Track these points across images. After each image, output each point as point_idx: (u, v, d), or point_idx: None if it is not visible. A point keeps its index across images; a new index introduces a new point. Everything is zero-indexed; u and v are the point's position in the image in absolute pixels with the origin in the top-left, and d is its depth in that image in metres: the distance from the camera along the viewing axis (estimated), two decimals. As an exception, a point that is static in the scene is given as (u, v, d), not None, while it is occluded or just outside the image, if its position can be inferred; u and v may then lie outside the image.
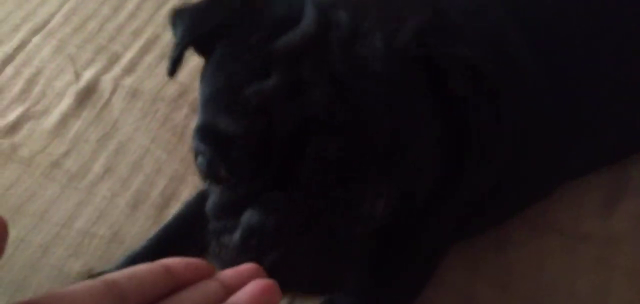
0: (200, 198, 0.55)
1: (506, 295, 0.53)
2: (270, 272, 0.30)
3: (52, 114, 0.70)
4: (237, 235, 0.34)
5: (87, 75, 0.74)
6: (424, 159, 0.38)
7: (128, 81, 0.74)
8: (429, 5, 0.40)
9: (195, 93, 0.71)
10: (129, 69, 0.76)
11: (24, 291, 0.54)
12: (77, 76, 0.75)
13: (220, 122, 0.34)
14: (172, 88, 0.73)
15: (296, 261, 0.34)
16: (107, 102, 0.72)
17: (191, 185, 0.62)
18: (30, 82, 0.74)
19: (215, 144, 0.34)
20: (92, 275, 0.53)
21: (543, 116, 0.49)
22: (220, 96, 0.35)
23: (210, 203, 0.38)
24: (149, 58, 0.77)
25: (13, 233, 0.58)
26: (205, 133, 0.35)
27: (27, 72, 0.75)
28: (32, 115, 0.70)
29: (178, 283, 0.28)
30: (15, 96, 0.72)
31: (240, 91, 0.33)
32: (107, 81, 0.74)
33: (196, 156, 0.37)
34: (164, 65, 0.73)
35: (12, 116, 0.70)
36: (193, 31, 0.39)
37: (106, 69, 0.75)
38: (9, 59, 0.77)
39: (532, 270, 0.55)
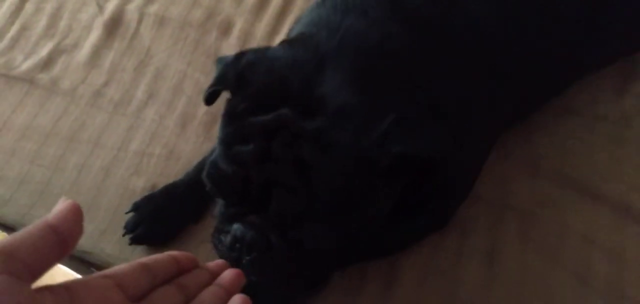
0: None
1: (536, 175, 0.61)
2: (248, 269, 0.44)
3: (83, 47, 0.73)
4: (227, 239, 0.47)
5: (110, 6, 0.77)
6: (370, 210, 0.47)
7: (152, 9, 0.76)
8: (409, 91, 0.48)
9: (221, 15, 0.75)
10: (151, -2, 0.78)
11: (95, 210, 0.59)
12: (100, 7, 0.77)
13: (221, 163, 0.46)
14: (198, 13, 0.76)
15: (265, 263, 0.46)
16: (136, 32, 0.74)
17: (234, 102, 0.67)
18: (54, 17, 0.76)
19: (216, 179, 0.46)
20: (137, 203, 0.58)
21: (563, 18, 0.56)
22: (222, 144, 0.47)
23: (216, 210, 0.50)
24: (168, -15, 0.79)
25: (73, 159, 0.63)
26: (211, 169, 0.47)
27: (48, 7, 0.77)
28: (64, 49, 0.73)
29: (181, 270, 0.38)
30: (41, 32, 0.74)
31: (232, 147, 0.45)
32: (131, 11, 0.76)
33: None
34: (186, -10, 0.77)
35: (43, 51, 0.72)
36: (218, 83, 0.50)
37: (128, -1, 0.78)
38: (26, -5, 0.78)
39: (556, 149, 0.63)
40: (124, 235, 0.56)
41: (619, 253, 0.57)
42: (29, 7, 0.77)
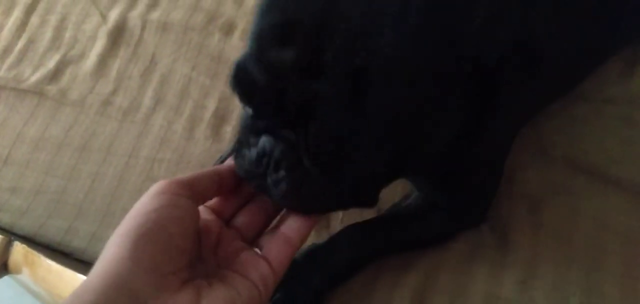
0: None
1: (545, 162, 0.64)
2: (273, 191, 0.42)
3: (89, 57, 0.77)
4: (253, 152, 0.42)
5: (113, 15, 0.81)
6: (433, 128, 0.42)
7: (155, 16, 0.80)
8: None
9: (223, 18, 0.79)
10: (153, 4, 0.82)
11: (110, 217, 0.63)
12: (104, 17, 0.81)
13: (251, 67, 0.39)
14: (200, 16, 0.79)
15: (294, 186, 0.42)
16: (140, 39, 0.78)
17: (240, 103, 0.70)
18: (59, 29, 0.80)
19: (244, 85, 0.40)
20: None
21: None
22: (255, 40, 0.39)
23: (242, 116, 0.46)
24: (169, -10, 0.83)
25: (86, 168, 0.67)
26: (239, 71, 0.40)
27: (53, 20, 0.81)
28: (71, 60, 0.77)
29: (223, 187, 0.46)
30: (48, 44, 0.78)
31: (267, 48, 0.38)
32: (134, 18, 0.80)
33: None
34: (187, -6, 0.81)
35: (51, 63, 0.76)
36: None
37: (130, 6, 0.81)
38: (31, 8, 0.82)
39: (564, 136, 0.65)
40: None
41: (632, 236, 0.59)
42: (34, 20, 0.81)
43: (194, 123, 0.70)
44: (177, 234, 0.38)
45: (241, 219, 0.47)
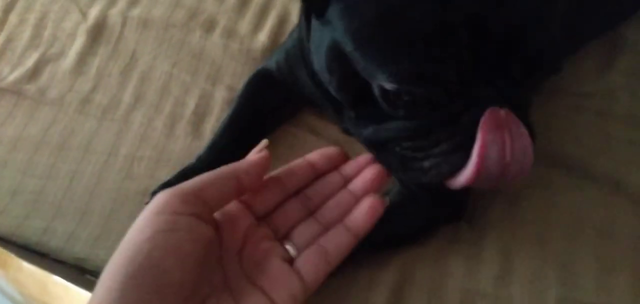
0: (236, 118, 0.65)
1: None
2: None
3: (69, 55, 0.77)
4: (443, 146, 0.40)
5: (93, 12, 0.81)
6: None
7: (135, 12, 0.80)
8: None
9: (204, 15, 0.79)
10: (134, 1, 0.82)
11: (89, 216, 0.63)
12: (84, 14, 0.80)
13: (425, 68, 0.37)
14: (181, 13, 0.80)
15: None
16: (120, 36, 0.78)
17: (221, 99, 0.71)
18: (38, 27, 0.80)
19: (425, 85, 0.39)
20: (154, 191, 0.62)
21: None
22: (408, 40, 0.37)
23: (398, 129, 0.43)
24: (150, -13, 0.83)
25: (64, 167, 0.67)
26: (412, 77, 0.38)
27: (32, 18, 0.81)
28: (50, 58, 0.76)
29: (317, 173, 0.40)
30: (26, 43, 0.78)
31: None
32: (114, 15, 0.80)
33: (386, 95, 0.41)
34: (168, -10, 0.81)
35: (29, 62, 0.76)
36: None
37: (111, 3, 0.82)
38: (9, 7, 0.82)
39: (542, 129, 0.65)
40: None
41: (608, 230, 0.60)
42: (13, 19, 0.81)
43: (174, 120, 0.70)
44: (173, 267, 0.33)
45: (276, 215, 0.41)
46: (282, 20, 0.77)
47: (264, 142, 0.41)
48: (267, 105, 0.67)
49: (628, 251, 0.59)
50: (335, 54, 0.43)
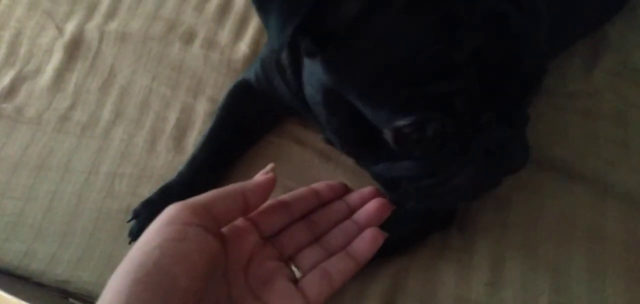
0: (217, 132, 0.65)
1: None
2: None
3: (45, 71, 0.75)
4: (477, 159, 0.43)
5: (70, 27, 0.79)
6: None
7: (113, 26, 0.79)
8: None
9: (182, 27, 0.78)
10: (110, 14, 0.80)
11: (71, 236, 0.62)
12: (60, 30, 0.79)
13: (438, 107, 0.40)
14: (159, 26, 0.78)
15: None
16: (98, 51, 0.77)
17: (202, 112, 0.70)
18: (14, 44, 0.78)
19: (438, 123, 0.41)
20: (136, 209, 0.61)
21: None
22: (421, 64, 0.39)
23: (411, 168, 0.45)
24: (127, 0, 0.82)
25: (44, 187, 0.66)
26: (427, 100, 0.40)
27: (6, 35, 0.79)
28: (26, 76, 0.75)
29: (322, 201, 0.42)
30: (2, 60, 0.77)
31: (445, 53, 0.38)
32: (91, 30, 0.79)
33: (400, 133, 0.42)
34: (145, 4, 0.80)
35: (5, 79, 0.75)
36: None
37: (87, 18, 0.80)
38: (-17, 24, 0.80)
39: (529, 131, 0.66)
40: (129, 243, 0.59)
41: (597, 232, 0.60)
42: (-13, 37, 0.79)
43: (155, 136, 0.69)
44: (182, 274, 0.34)
45: (282, 237, 0.42)
46: (263, 29, 0.76)
47: (271, 165, 0.42)
48: (249, 116, 0.66)
49: (619, 253, 0.59)
50: (334, 98, 0.45)
